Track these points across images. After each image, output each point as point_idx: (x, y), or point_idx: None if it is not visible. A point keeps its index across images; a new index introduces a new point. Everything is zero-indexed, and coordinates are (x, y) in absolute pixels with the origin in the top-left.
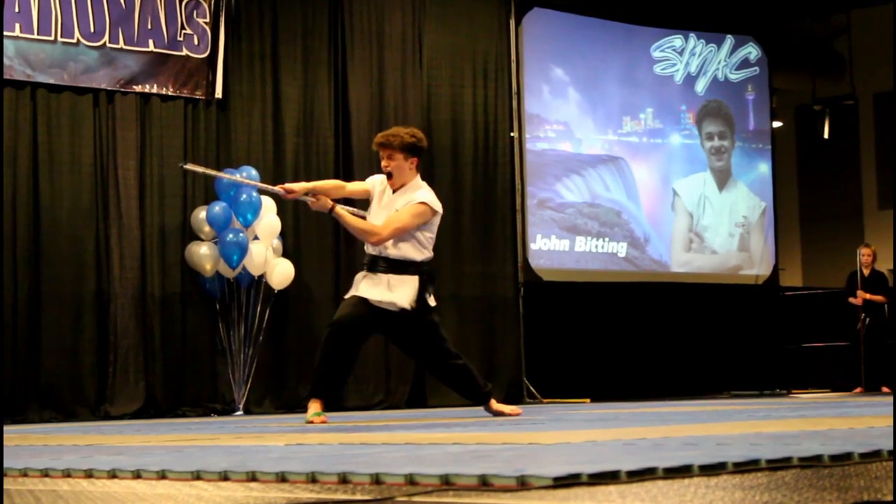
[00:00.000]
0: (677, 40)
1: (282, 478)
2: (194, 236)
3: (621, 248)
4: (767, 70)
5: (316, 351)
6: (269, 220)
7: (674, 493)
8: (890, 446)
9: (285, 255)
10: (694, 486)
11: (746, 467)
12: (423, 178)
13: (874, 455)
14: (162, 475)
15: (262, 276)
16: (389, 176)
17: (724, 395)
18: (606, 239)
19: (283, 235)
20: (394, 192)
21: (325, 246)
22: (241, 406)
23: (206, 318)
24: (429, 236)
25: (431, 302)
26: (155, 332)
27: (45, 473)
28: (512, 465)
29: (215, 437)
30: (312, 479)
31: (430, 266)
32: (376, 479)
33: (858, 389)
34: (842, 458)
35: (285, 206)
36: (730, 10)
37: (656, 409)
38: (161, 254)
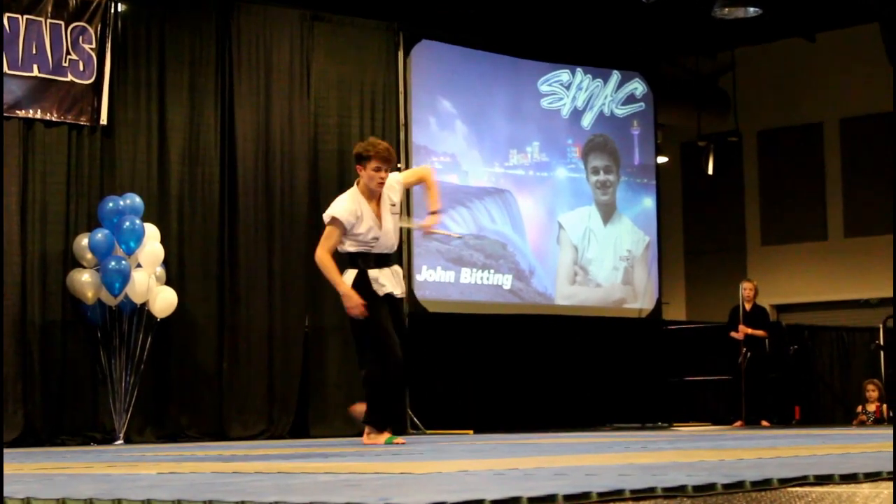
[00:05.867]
0: (564, 75)
1: None
2: (76, 263)
3: (506, 281)
4: (653, 106)
5: (197, 379)
6: (152, 247)
7: None
8: (754, 477)
9: (168, 283)
10: None
11: (610, 497)
12: (310, 208)
13: (737, 486)
14: (27, 502)
15: (144, 304)
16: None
17: (607, 428)
18: (492, 271)
19: (166, 263)
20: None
21: (209, 274)
22: (121, 435)
23: (87, 346)
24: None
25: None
26: (34, 359)
27: None
28: (378, 494)
29: (89, 466)
30: None
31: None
32: None
33: (739, 423)
34: (705, 489)
35: (169, 235)
36: (616, 46)
37: (536, 441)
38: (42, 281)
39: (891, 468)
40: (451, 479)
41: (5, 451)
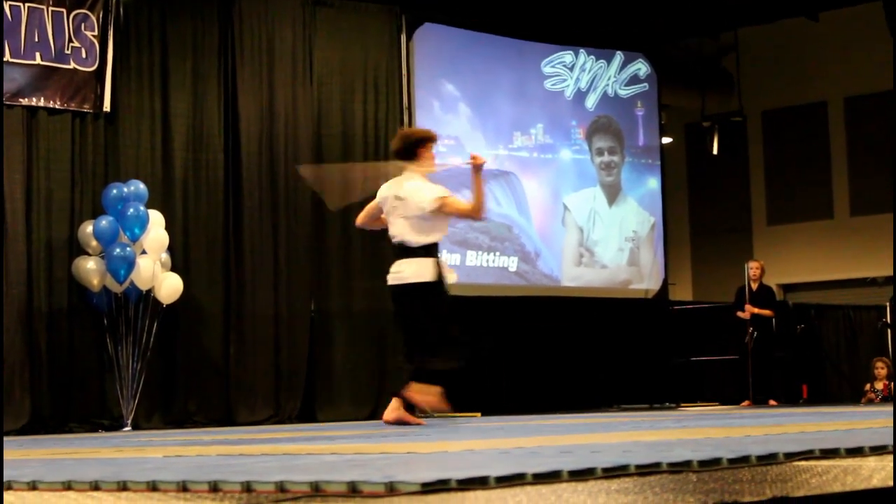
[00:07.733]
0: (567, 56)
1: (153, 487)
2: (81, 251)
3: (512, 263)
4: (657, 86)
5: (204, 365)
6: (156, 234)
7: (541, 497)
8: (760, 452)
9: (173, 269)
10: (561, 491)
11: (615, 472)
12: (315, 192)
13: (742, 460)
14: (33, 486)
15: (149, 291)
16: None
17: (614, 409)
18: (497, 253)
19: (171, 250)
20: None
21: (214, 260)
22: (129, 421)
23: (93, 333)
24: None
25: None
26: (41, 347)
27: None
28: (383, 472)
29: (96, 451)
30: (183, 488)
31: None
32: (247, 488)
33: (746, 403)
34: (710, 464)
35: (174, 221)
36: (619, 27)
37: (542, 422)
38: (48, 268)
39: None
40: (456, 457)
41: (13, 438)
